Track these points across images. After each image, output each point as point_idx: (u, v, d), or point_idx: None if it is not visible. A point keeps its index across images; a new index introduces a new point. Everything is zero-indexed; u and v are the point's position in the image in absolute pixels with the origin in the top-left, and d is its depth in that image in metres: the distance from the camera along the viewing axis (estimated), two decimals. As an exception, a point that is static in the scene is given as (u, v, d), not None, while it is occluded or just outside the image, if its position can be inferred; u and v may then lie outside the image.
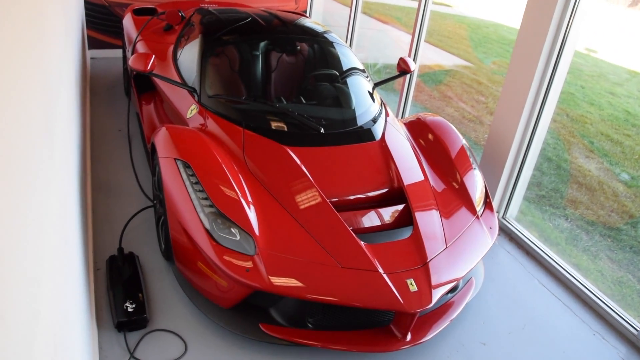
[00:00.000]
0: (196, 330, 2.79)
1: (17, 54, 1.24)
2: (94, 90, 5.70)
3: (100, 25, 6.54)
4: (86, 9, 6.34)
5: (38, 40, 1.66)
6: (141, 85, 4.60)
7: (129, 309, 2.74)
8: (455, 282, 2.81)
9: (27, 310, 1.12)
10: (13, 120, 1.13)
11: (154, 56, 3.45)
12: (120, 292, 2.84)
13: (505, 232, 4.03)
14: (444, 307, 2.95)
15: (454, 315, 2.91)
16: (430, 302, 2.59)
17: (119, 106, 5.32)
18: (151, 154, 3.35)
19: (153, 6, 5.49)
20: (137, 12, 5.32)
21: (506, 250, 3.80)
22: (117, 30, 6.55)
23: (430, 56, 10.04)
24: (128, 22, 5.27)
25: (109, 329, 2.73)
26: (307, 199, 2.90)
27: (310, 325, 2.70)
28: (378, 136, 3.47)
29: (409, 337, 2.67)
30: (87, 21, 6.43)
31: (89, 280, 2.86)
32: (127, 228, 3.38)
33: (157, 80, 4.20)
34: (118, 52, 6.51)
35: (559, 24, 3.52)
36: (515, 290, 3.39)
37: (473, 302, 3.20)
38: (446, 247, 2.87)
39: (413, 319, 2.62)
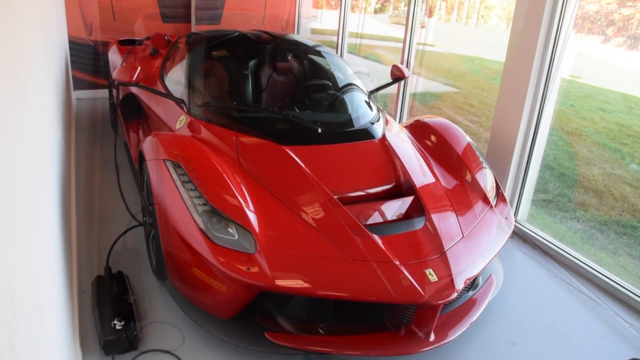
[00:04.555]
0: (194, 348, 2.50)
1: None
2: (80, 127, 5.52)
3: (86, 65, 6.43)
4: (71, 49, 6.24)
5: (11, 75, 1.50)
6: (128, 114, 4.44)
7: (117, 327, 2.44)
8: (476, 275, 2.57)
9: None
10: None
11: (139, 67, 3.31)
12: (107, 310, 2.56)
13: (518, 234, 3.80)
14: (465, 306, 2.69)
15: (477, 315, 2.65)
16: (454, 291, 2.34)
17: (105, 140, 5.14)
18: (139, 164, 3.15)
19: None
20: (122, 43, 5.24)
21: (522, 252, 3.57)
22: (102, 70, 6.45)
23: (418, 84, 10.08)
24: (113, 53, 5.17)
25: (95, 353, 2.43)
26: (309, 194, 2.68)
27: (321, 331, 2.42)
28: (378, 135, 3.30)
29: (432, 336, 2.40)
30: (72, 61, 6.32)
31: (72, 304, 2.57)
32: (115, 250, 3.12)
33: (143, 97, 4.04)
34: (104, 92, 6.38)
35: (551, 17, 3.44)
36: (538, 289, 3.14)
37: (495, 303, 2.94)
38: (463, 236, 2.65)
39: (435, 315, 2.36)
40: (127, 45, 5.16)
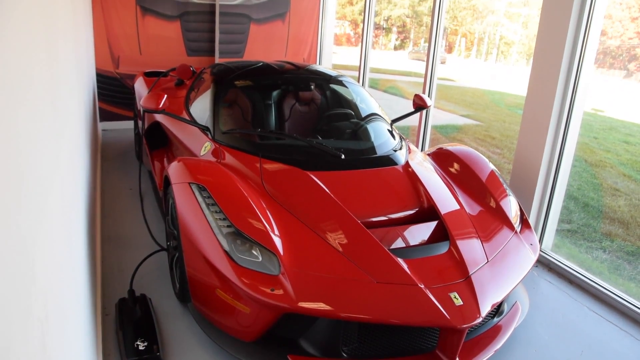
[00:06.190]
0: (216, 370, 2.49)
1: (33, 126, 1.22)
2: (106, 156, 5.65)
3: (112, 97, 6.62)
4: (98, 81, 6.44)
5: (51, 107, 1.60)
6: (153, 142, 4.53)
7: (140, 347, 2.46)
8: (502, 300, 2.53)
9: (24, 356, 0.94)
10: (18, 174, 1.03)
11: (166, 95, 3.40)
12: (130, 331, 2.58)
13: (543, 263, 3.74)
14: (490, 333, 2.64)
15: (502, 342, 2.59)
16: (479, 315, 2.30)
17: (129, 170, 5.23)
18: (164, 189, 3.20)
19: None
20: (148, 75, 5.38)
21: (547, 281, 3.50)
22: (128, 102, 6.62)
23: (440, 116, 10.12)
24: (139, 84, 5.30)
25: (118, 375, 2.44)
26: (334, 218, 2.69)
27: (344, 355, 2.40)
28: (401, 162, 3.31)
29: (457, 361, 2.35)
30: (99, 93, 6.51)
31: (96, 325, 2.59)
32: (138, 274, 3.15)
33: (168, 125, 4.12)
34: (128, 124, 6.54)
35: (572, 51, 3.47)
36: (565, 318, 3.07)
37: (522, 332, 2.88)
38: (487, 261, 2.62)
39: (461, 340, 2.32)
40: (152, 77, 5.29)
